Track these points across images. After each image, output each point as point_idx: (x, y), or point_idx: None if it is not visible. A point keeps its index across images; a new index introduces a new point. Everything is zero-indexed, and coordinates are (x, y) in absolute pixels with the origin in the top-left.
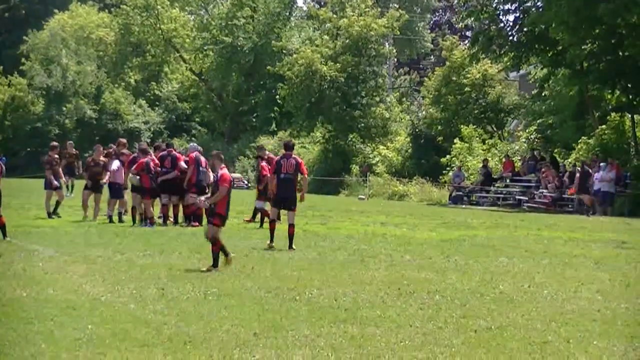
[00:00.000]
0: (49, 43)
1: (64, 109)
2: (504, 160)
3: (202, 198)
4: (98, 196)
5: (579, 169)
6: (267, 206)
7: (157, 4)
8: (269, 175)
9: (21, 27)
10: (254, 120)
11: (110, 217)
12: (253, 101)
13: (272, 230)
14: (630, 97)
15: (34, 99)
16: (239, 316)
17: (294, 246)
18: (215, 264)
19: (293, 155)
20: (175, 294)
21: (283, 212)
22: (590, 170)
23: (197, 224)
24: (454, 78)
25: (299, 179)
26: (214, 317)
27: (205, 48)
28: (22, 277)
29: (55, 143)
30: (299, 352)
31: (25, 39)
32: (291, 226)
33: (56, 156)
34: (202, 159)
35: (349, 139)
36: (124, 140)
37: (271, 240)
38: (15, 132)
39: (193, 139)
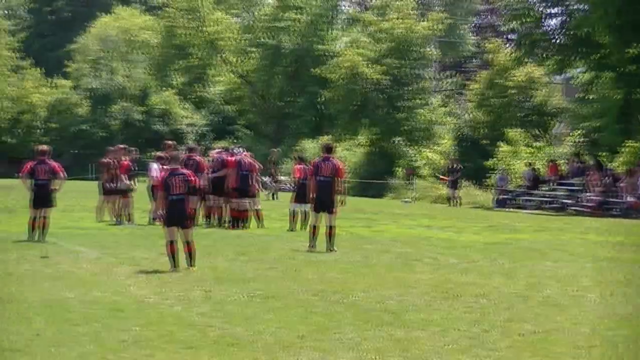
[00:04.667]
0: (97, 45)
1: (110, 110)
2: (549, 164)
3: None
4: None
5: (450, 166)
6: (299, 208)
7: (201, 6)
8: (298, 177)
9: (65, 30)
10: (298, 122)
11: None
12: (296, 104)
13: (313, 234)
14: None
15: (78, 101)
16: (284, 319)
17: (335, 248)
18: None
19: (332, 159)
20: (221, 296)
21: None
22: (461, 167)
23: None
24: (498, 81)
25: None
26: (259, 319)
27: (248, 50)
28: (69, 278)
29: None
30: (345, 355)
31: (75, 40)
32: (331, 228)
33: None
34: (245, 161)
35: (394, 141)
36: (171, 143)
37: (311, 245)
38: (60, 134)
39: (238, 141)
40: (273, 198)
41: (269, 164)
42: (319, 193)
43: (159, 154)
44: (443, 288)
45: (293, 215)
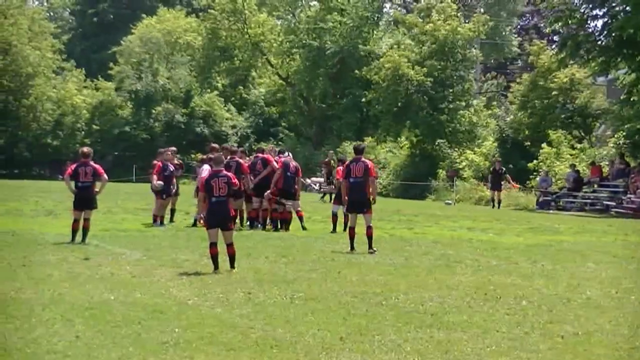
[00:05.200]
0: (141, 47)
1: (153, 112)
2: (591, 165)
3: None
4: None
5: (492, 168)
6: (340, 210)
7: (245, 8)
8: (339, 178)
9: (108, 32)
10: (340, 124)
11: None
12: (339, 105)
13: (351, 237)
14: None
15: (122, 103)
16: (325, 320)
17: (374, 247)
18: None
19: (362, 159)
20: (262, 298)
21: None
22: (504, 169)
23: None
24: (541, 82)
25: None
26: (300, 321)
27: (292, 51)
28: (110, 280)
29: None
30: (385, 357)
31: (122, 41)
32: (369, 228)
33: (175, 161)
34: (292, 164)
35: (436, 143)
36: (216, 145)
37: (351, 247)
38: (102, 136)
39: (280, 143)
40: (322, 199)
41: (326, 166)
42: (352, 194)
43: (203, 156)
44: (484, 290)
45: (335, 216)
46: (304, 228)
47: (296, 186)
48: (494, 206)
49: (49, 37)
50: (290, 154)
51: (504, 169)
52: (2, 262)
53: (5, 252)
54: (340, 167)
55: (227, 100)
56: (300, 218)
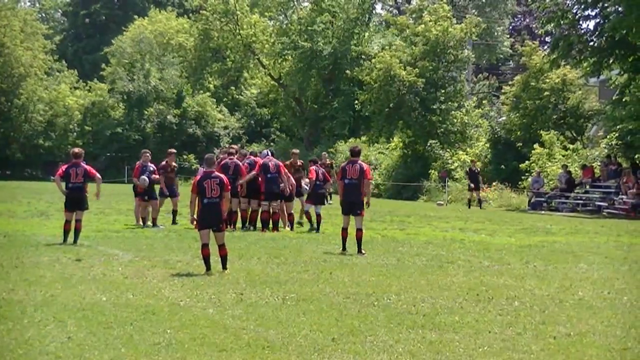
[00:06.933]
0: (133, 48)
1: (145, 113)
2: (582, 166)
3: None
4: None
5: (468, 169)
6: (312, 209)
7: (237, 9)
8: (312, 179)
9: (101, 33)
10: (333, 125)
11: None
12: (332, 106)
13: (344, 238)
14: None
15: (114, 104)
16: (317, 321)
17: (363, 250)
18: None
19: (359, 161)
20: (254, 299)
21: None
22: (478, 170)
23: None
24: (533, 83)
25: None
26: (293, 322)
27: (284, 53)
28: (102, 281)
29: (172, 150)
30: (377, 358)
31: (113, 41)
32: (359, 230)
33: (174, 164)
34: (271, 164)
35: (428, 144)
36: (236, 147)
37: (343, 248)
38: (95, 137)
39: (272, 144)
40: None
41: (325, 167)
42: (346, 196)
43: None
44: (476, 291)
45: (319, 216)
46: (272, 230)
47: (282, 185)
48: (469, 206)
49: (41, 38)
50: (269, 153)
51: (479, 169)
52: None
53: None
54: (313, 167)
55: (219, 101)
56: (276, 221)
